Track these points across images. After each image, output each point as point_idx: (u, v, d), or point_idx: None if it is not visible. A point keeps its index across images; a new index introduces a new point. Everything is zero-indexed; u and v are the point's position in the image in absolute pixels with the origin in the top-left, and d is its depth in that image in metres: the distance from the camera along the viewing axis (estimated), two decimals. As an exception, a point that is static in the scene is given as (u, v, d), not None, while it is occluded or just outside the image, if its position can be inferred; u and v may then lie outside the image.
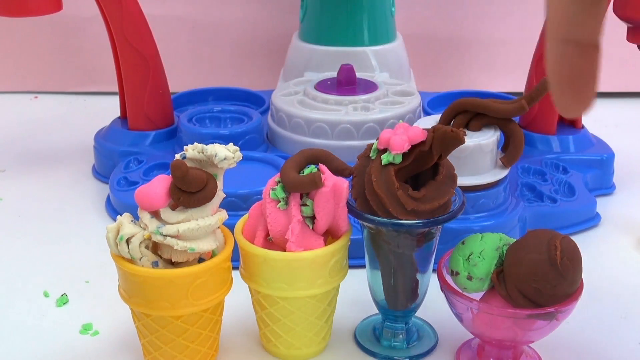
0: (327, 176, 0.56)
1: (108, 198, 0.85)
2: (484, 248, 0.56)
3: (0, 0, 0.80)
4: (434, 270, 0.60)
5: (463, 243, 0.58)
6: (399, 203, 0.55)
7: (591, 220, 0.81)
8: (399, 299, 0.61)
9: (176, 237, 0.54)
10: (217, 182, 0.56)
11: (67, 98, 1.21)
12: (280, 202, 0.57)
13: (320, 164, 0.58)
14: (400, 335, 0.63)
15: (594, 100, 0.38)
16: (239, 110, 0.91)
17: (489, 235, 0.57)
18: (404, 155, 0.55)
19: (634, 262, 0.75)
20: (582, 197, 0.80)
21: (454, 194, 0.57)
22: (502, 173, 0.74)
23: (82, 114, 1.15)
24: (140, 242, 0.55)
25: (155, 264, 0.56)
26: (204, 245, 0.55)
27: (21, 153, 1.00)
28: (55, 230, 0.81)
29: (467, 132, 0.71)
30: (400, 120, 0.70)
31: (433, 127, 0.55)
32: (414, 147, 0.55)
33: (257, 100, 1.01)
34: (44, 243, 0.78)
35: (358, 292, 0.68)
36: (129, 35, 0.86)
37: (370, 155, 0.57)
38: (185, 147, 0.56)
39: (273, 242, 0.58)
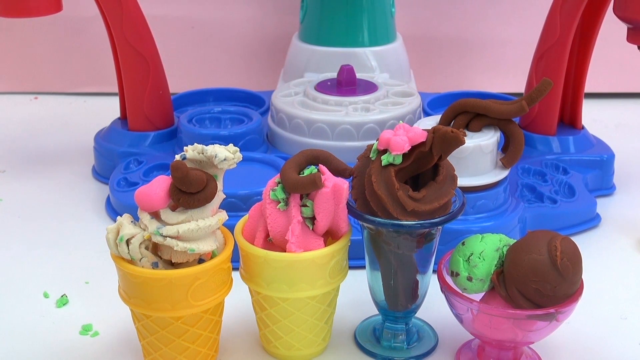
0: (327, 177, 0.56)
1: (108, 199, 0.85)
2: (484, 249, 0.56)
3: (1, 0, 0.80)
4: (434, 271, 0.60)
5: (463, 244, 0.58)
6: (399, 204, 0.55)
7: (591, 221, 0.81)
8: (399, 300, 0.61)
9: (176, 237, 0.54)
10: (217, 183, 0.56)
11: (67, 99, 1.21)
12: (280, 202, 0.57)
13: (320, 165, 0.58)
14: (401, 336, 0.63)
15: None
16: (239, 111, 0.91)
17: (489, 236, 0.57)
18: (404, 156, 0.55)
19: (634, 263, 0.75)
20: (582, 198, 0.80)
21: (454, 194, 0.57)
22: (502, 174, 0.74)
23: (82, 114, 1.15)
24: (140, 243, 0.55)
25: (155, 265, 0.56)
26: (204, 246, 0.55)
27: (21, 153, 1.00)
28: (55, 231, 0.81)
29: (467, 132, 0.71)
30: (401, 121, 0.70)
31: (433, 128, 0.55)
32: (414, 148, 0.55)
33: (257, 101, 1.01)
34: (44, 244, 0.78)
35: (358, 293, 0.68)
36: (129, 36, 0.86)
37: (370, 156, 0.57)
38: (185, 147, 0.56)
39: (273, 243, 0.58)
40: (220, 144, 0.56)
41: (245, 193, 0.74)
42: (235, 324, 0.65)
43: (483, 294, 0.58)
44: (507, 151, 0.74)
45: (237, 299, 0.62)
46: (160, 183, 0.55)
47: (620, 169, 0.90)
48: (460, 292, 0.57)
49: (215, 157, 0.54)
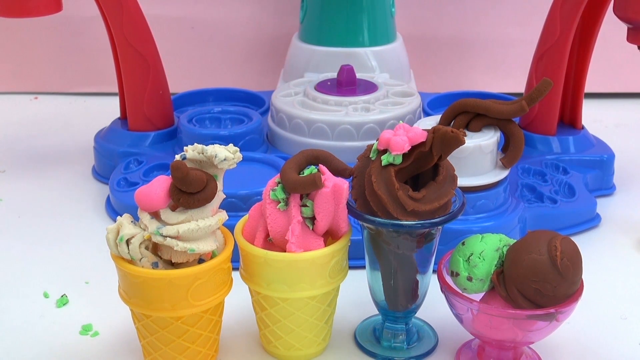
0: (327, 177, 0.56)
1: (108, 199, 0.85)
2: (484, 249, 0.56)
3: (1, 0, 0.80)
4: (434, 271, 0.60)
5: (463, 244, 0.58)
6: (399, 204, 0.55)
7: (591, 221, 0.81)
8: (399, 300, 0.61)
9: (176, 237, 0.54)
10: (217, 182, 0.56)
11: (67, 99, 1.21)
12: (280, 202, 0.57)
13: (320, 165, 0.58)
14: (401, 336, 0.63)
15: None
16: (239, 111, 0.91)
17: (489, 236, 0.57)
18: (404, 156, 0.55)
19: (634, 262, 0.75)
20: (582, 198, 0.80)
21: (454, 194, 0.57)
22: (502, 174, 0.74)
23: (82, 114, 1.15)
24: (140, 243, 0.55)
25: (155, 265, 0.56)
26: (204, 246, 0.55)
27: (21, 153, 1.00)
28: (55, 230, 0.81)
29: (467, 132, 0.71)
30: (401, 121, 0.70)
31: (433, 128, 0.55)
32: (414, 148, 0.55)
33: (257, 101, 1.01)
34: (44, 244, 0.78)
35: (358, 293, 0.68)
36: (129, 36, 0.86)
37: (370, 156, 0.57)
38: (185, 147, 0.56)
39: (273, 243, 0.58)
40: (220, 144, 0.56)
41: (245, 193, 0.74)
42: (235, 324, 0.65)
43: (483, 294, 0.58)
44: (507, 151, 0.74)
45: (237, 299, 0.62)
46: (160, 183, 0.55)
47: (620, 169, 0.90)
48: (460, 292, 0.57)
49: (215, 157, 0.54)
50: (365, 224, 0.58)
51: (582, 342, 0.63)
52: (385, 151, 0.55)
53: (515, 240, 0.57)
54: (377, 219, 0.56)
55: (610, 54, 1.11)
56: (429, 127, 0.56)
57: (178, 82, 1.06)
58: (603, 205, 0.84)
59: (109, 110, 1.03)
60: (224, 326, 0.62)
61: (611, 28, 0.87)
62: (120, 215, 0.56)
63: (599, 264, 0.74)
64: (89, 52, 1.19)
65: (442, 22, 1.17)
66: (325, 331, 0.61)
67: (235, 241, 0.59)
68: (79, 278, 0.72)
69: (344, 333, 0.65)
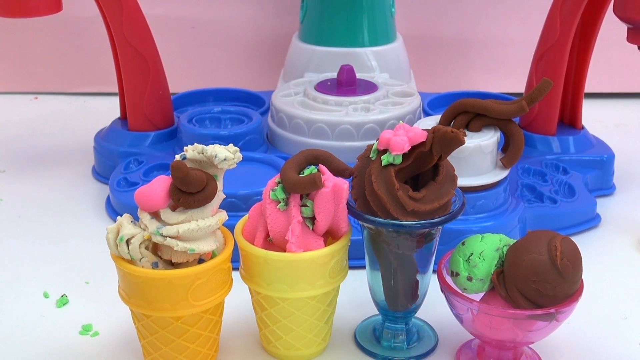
0: (327, 177, 0.56)
1: (108, 199, 0.85)
2: (484, 249, 0.56)
3: (1, 0, 0.80)
4: (434, 271, 0.60)
5: (463, 244, 0.58)
6: (399, 204, 0.55)
7: (591, 221, 0.81)
8: (399, 300, 0.61)
9: (176, 237, 0.54)
10: (217, 182, 0.56)
11: (67, 98, 1.21)
12: (280, 202, 0.57)
13: (320, 165, 0.58)
14: (401, 336, 0.63)
15: None
16: (239, 111, 0.91)
17: (489, 236, 0.57)
18: (404, 156, 0.55)
19: (634, 262, 0.75)
20: (582, 198, 0.80)
21: (454, 194, 0.57)
22: (502, 174, 0.74)
23: (82, 114, 1.15)
24: (140, 243, 0.55)
25: (155, 265, 0.56)
26: (204, 246, 0.55)
27: (21, 153, 1.00)
28: (55, 230, 0.81)
29: (467, 132, 0.71)
30: (401, 121, 0.70)
31: (433, 128, 0.55)
32: (414, 148, 0.55)
33: (257, 101, 1.01)
34: (44, 244, 0.78)
35: (358, 293, 0.68)
36: (129, 36, 0.86)
37: (370, 156, 0.57)
38: (185, 147, 0.56)
39: (273, 243, 0.58)
40: (220, 144, 0.56)
41: (245, 193, 0.74)
42: (235, 324, 0.65)
43: (483, 294, 0.58)
44: (507, 151, 0.74)
45: (237, 299, 0.62)
46: (161, 183, 0.55)
47: (620, 169, 0.90)
48: (460, 292, 0.57)
49: (215, 157, 0.54)
50: (365, 224, 0.58)
51: (582, 342, 0.63)
52: (385, 151, 0.55)
53: (515, 240, 0.57)
54: (377, 219, 0.56)
55: (610, 54, 1.11)
56: (429, 127, 0.56)
57: (178, 82, 1.06)
58: (603, 205, 0.84)
59: (109, 110, 1.03)
60: (224, 326, 0.62)
61: (611, 28, 0.87)
62: (120, 215, 0.56)
63: (599, 264, 0.74)
64: (89, 52, 1.19)
65: (442, 22, 1.17)
66: (325, 331, 0.61)
67: (235, 241, 0.59)
68: (79, 278, 0.72)
69: (344, 333, 0.65)
